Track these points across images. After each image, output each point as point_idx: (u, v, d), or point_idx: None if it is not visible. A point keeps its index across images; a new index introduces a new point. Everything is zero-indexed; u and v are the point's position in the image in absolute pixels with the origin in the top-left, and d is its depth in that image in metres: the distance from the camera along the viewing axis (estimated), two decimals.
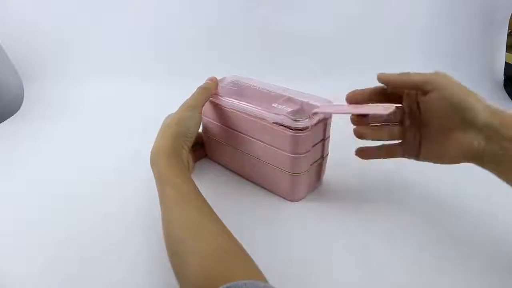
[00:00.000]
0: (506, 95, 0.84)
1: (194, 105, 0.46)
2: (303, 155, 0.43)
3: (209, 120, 0.52)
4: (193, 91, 0.48)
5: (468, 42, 0.89)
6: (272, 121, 0.43)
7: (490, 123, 0.34)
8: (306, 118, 0.41)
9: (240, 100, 0.47)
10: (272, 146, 0.44)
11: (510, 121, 0.34)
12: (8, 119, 0.77)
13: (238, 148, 0.50)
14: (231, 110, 0.47)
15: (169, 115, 0.48)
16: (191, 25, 0.85)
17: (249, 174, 0.52)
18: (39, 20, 0.82)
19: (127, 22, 0.84)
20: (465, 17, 0.88)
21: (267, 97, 0.48)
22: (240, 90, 0.51)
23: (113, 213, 0.47)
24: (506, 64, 0.89)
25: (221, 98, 0.49)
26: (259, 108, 0.44)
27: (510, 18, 0.87)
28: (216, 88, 0.50)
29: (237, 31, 0.86)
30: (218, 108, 0.50)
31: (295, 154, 0.43)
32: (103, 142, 0.66)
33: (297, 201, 0.48)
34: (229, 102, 0.48)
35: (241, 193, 0.50)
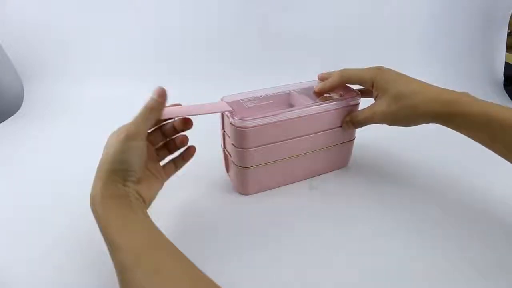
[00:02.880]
0: (506, 95, 0.84)
1: (134, 134, 0.37)
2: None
3: (254, 149, 0.45)
4: (139, 111, 0.39)
5: (468, 42, 0.89)
6: (338, 107, 0.48)
7: (439, 114, 0.41)
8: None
9: (286, 108, 0.47)
10: (331, 129, 0.49)
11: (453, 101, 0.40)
12: (8, 119, 0.77)
13: (290, 156, 0.48)
14: (283, 121, 0.44)
15: (113, 133, 0.39)
16: (191, 25, 0.85)
17: (300, 173, 0.52)
18: (39, 20, 0.82)
19: (127, 22, 0.84)
20: (465, 17, 0.88)
21: (289, 97, 0.51)
22: (261, 103, 0.48)
23: None
24: (506, 64, 0.89)
25: (262, 117, 0.43)
26: (313, 104, 0.47)
27: (510, 18, 0.87)
28: (164, 104, 0.40)
29: (237, 31, 0.86)
30: (263, 130, 0.44)
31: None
32: (103, 142, 0.66)
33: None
34: (278, 115, 0.44)
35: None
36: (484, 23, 0.88)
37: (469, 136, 0.40)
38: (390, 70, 0.46)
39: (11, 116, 0.78)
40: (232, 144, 0.45)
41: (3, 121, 0.77)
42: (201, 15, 0.85)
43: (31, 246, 0.42)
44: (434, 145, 0.60)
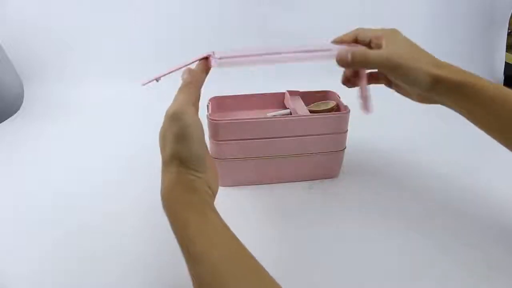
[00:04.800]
0: None
1: (184, 108, 0.34)
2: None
3: (227, 141, 0.48)
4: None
5: (468, 42, 0.89)
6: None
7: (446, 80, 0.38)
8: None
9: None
10: (316, 135, 0.49)
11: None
12: (8, 119, 0.77)
13: (267, 155, 0.49)
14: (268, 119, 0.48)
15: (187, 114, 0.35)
16: (191, 25, 0.85)
17: (285, 175, 0.52)
18: (39, 20, 0.82)
19: (127, 22, 0.84)
20: (465, 17, 0.88)
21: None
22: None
23: (112, 212, 0.47)
24: (506, 64, 0.89)
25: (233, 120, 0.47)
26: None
27: (510, 18, 0.87)
28: (205, 73, 0.40)
29: (237, 31, 0.86)
30: (239, 125, 0.47)
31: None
32: (103, 142, 0.66)
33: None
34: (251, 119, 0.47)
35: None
36: (484, 23, 0.88)
37: (473, 114, 0.39)
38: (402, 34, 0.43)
39: (11, 116, 0.78)
40: (208, 136, 0.48)
41: (3, 121, 0.77)
42: (201, 15, 0.85)
43: (31, 246, 0.42)
44: (429, 150, 0.60)
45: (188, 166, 0.32)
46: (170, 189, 0.32)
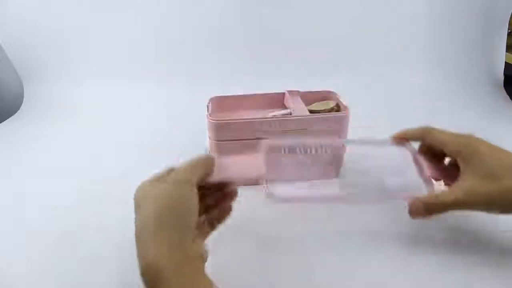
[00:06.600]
0: (506, 95, 0.84)
1: (189, 179, 0.31)
2: None
3: (227, 141, 0.48)
4: (187, 161, 0.33)
5: (468, 42, 0.89)
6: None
7: None
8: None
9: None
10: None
11: None
12: (8, 119, 0.77)
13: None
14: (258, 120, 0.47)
15: (141, 187, 0.32)
16: (191, 25, 0.85)
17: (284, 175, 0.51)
18: (39, 20, 0.82)
19: (127, 22, 0.84)
20: (465, 17, 0.88)
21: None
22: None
23: (113, 212, 0.47)
24: (506, 64, 0.89)
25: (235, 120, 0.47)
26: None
27: (510, 18, 0.87)
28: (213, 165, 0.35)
29: (238, 31, 0.86)
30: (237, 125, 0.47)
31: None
32: (103, 142, 0.66)
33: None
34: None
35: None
36: (484, 23, 0.88)
37: None
38: (483, 140, 0.37)
39: (11, 116, 0.78)
40: (209, 137, 0.49)
41: (3, 121, 0.77)
42: (201, 15, 0.85)
43: (31, 246, 0.42)
44: None
45: (182, 232, 0.28)
46: (162, 258, 0.26)
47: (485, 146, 0.36)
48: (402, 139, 0.42)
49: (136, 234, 0.28)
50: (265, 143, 0.39)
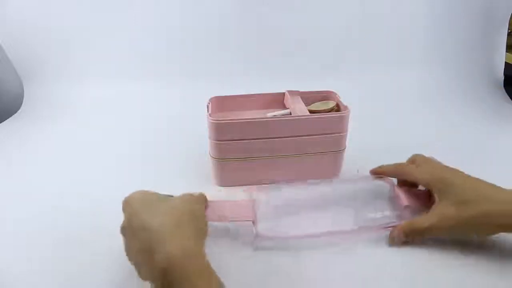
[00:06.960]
0: (506, 95, 0.84)
1: (202, 201, 0.39)
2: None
3: (227, 141, 0.49)
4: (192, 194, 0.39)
5: (468, 42, 0.89)
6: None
7: None
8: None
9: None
10: (315, 135, 0.49)
11: None
12: (8, 119, 0.77)
13: (266, 155, 0.50)
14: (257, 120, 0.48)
15: (129, 200, 0.38)
16: (191, 25, 0.85)
17: (282, 176, 0.51)
18: (39, 20, 0.81)
19: (127, 22, 0.84)
20: (465, 17, 0.88)
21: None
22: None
23: (113, 212, 0.47)
24: (506, 64, 0.89)
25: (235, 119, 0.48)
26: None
27: (510, 18, 0.87)
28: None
29: (238, 31, 0.86)
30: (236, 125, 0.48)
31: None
32: (103, 142, 0.66)
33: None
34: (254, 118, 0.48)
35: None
36: (484, 23, 0.88)
37: None
38: (457, 172, 0.40)
39: (11, 116, 0.78)
40: (209, 137, 0.49)
41: (3, 121, 0.77)
42: (201, 15, 0.85)
43: (31, 246, 0.42)
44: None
45: (201, 235, 0.34)
46: (190, 252, 0.31)
47: (459, 178, 0.39)
48: (379, 174, 0.47)
49: (152, 236, 0.31)
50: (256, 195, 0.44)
